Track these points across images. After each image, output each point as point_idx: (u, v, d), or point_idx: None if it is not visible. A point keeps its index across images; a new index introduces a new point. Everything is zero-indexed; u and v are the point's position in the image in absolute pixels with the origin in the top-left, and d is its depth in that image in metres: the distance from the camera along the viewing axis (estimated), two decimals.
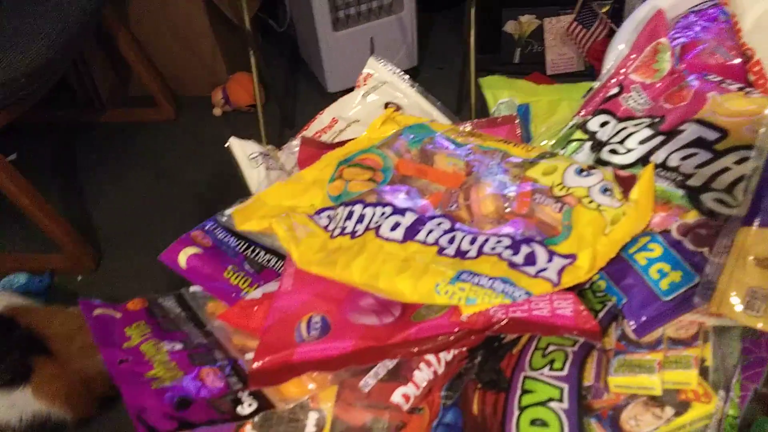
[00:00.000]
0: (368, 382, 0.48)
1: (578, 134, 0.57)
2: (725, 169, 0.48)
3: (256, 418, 0.50)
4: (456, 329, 0.44)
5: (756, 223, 0.43)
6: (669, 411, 0.42)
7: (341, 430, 0.49)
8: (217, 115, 2.28)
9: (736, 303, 0.43)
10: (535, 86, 0.68)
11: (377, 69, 0.80)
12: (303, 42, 2.45)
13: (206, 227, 0.66)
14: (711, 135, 0.50)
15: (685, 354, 0.43)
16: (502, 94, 0.70)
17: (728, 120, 0.50)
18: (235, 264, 0.62)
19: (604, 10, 1.95)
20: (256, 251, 0.64)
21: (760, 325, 0.42)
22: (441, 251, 0.48)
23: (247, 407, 0.47)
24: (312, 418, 0.50)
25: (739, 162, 0.47)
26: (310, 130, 0.80)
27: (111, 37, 2.10)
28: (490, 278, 0.45)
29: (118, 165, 2.07)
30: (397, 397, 0.47)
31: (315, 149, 0.67)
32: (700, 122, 0.51)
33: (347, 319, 0.47)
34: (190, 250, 0.60)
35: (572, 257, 0.46)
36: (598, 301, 0.49)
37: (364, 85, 0.80)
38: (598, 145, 0.57)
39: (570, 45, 2.09)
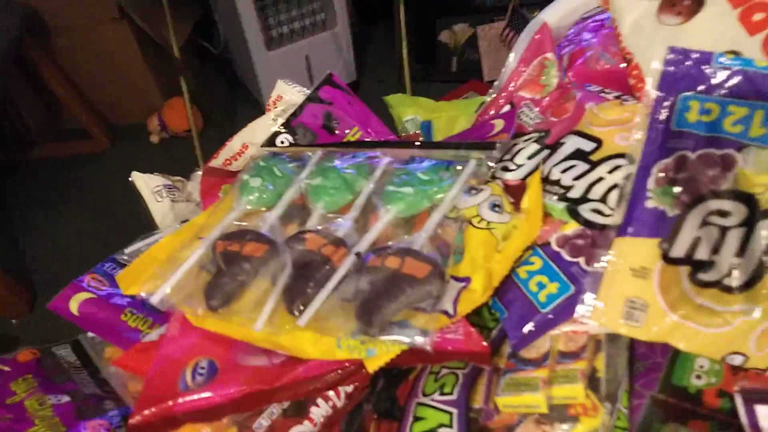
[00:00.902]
0: (261, 423, 0.47)
1: (484, 168, 0.56)
2: (600, 179, 0.48)
3: None
4: (346, 364, 0.43)
5: (630, 232, 0.44)
6: (558, 428, 0.42)
7: None
8: (155, 142, 2.23)
9: (616, 314, 0.43)
10: (436, 103, 0.68)
11: (287, 91, 0.79)
12: (239, 63, 2.43)
13: (105, 267, 0.63)
14: (587, 146, 0.50)
15: (572, 368, 0.43)
16: (406, 111, 0.70)
17: (602, 130, 0.50)
18: (133, 306, 0.60)
19: (534, 14, 2.00)
20: None
21: (641, 337, 0.43)
22: None
23: None
24: None
25: (611, 171, 0.48)
26: (220, 158, 0.78)
27: (36, 70, 2.05)
28: (390, 323, 0.43)
29: (52, 201, 2.01)
30: None
31: (217, 178, 0.66)
32: (578, 133, 0.52)
33: (236, 361, 0.46)
34: (81, 296, 0.57)
35: (466, 281, 0.45)
36: (492, 318, 0.49)
37: (274, 108, 0.79)
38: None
39: (505, 51, 2.12)
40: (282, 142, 0.59)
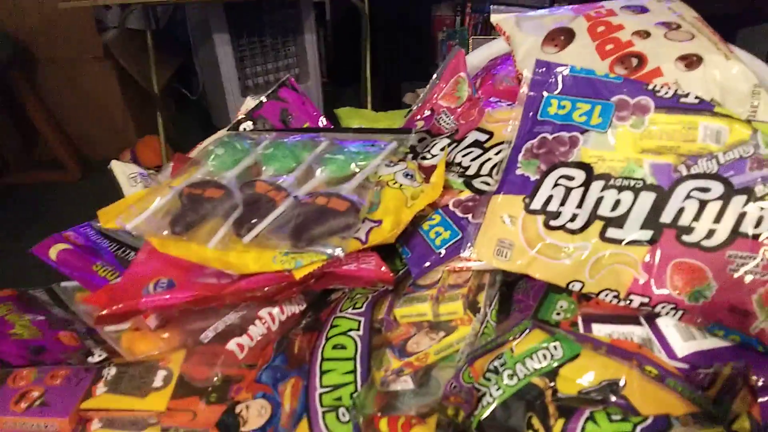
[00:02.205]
0: (208, 335, 0.57)
1: (402, 149, 0.71)
2: (488, 159, 0.63)
3: (108, 376, 0.57)
4: (278, 281, 0.55)
5: (503, 191, 0.58)
6: (441, 334, 0.54)
7: (186, 384, 0.57)
8: None
9: (490, 251, 0.56)
10: (376, 114, 0.83)
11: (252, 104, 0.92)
12: (215, 109, 2.59)
13: (80, 229, 0.74)
14: (482, 137, 0.65)
15: (456, 292, 0.56)
16: (352, 122, 0.84)
17: (494, 125, 0.66)
18: (105, 260, 0.70)
19: None
20: (127, 251, 0.72)
21: (508, 268, 0.56)
22: None
23: (96, 357, 0.54)
24: (160, 375, 0.58)
25: (497, 153, 0.62)
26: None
27: (18, 100, 2.15)
28: (315, 242, 0.55)
29: (19, 226, 2.06)
30: (231, 345, 0.56)
31: (186, 164, 0.78)
32: (478, 129, 0.66)
33: (191, 280, 0.57)
34: (60, 246, 0.67)
35: (378, 222, 0.58)
36: (401, 264, 0.61)
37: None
38: (415, 155, 0.71)
39: None
40: (244, 129, 0.73)
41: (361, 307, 0.55)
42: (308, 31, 2.31)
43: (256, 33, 2.27)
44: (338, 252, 0.52)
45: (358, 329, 0.53)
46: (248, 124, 0.73)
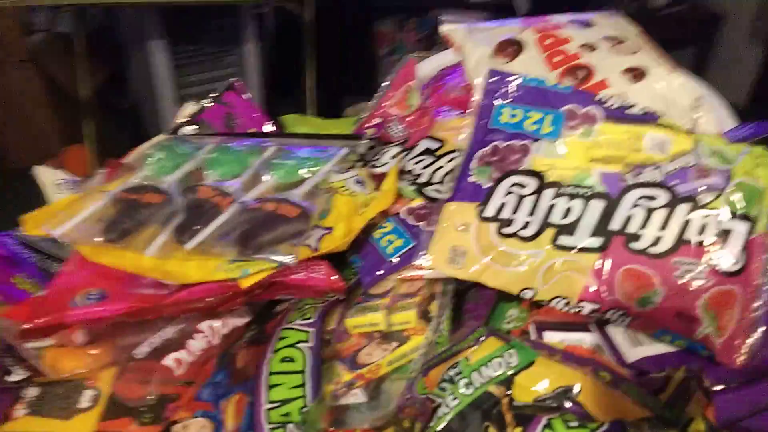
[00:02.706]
0: (142, 350, 0.53)
1: (352, 157, 0.69)
2: (440, 167, 0.62)
3: (28, 396, 0.52)
4: (222, 291, 0.52)
5: (456, 198, 0.57)
6: (394, 344, 0.52)
7: (117, 404, 0.53)
8: None
9: (444, 259, 0.55)
10: (323, 121, 0.81)
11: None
12: (148, 119, 2.48)
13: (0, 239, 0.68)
14: (434, 145, 0.65)
15: (409, 302, 0.54)
16: (300, 129, 0.82)
17: (446, 134, 0.65)
18: (27, 272, 0.65)
19: None
20: (52, 262, 0.67)
21: (461, 276, 0.55)
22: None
23: (15, 376, 0.49)
24: (87, 395, 0.53)
25: (450, 161, 0.62)
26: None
27: None
28: (264, 249, 0.53)
29: None
30: (168, 360, 0.52)
31: (119, 170, 0.73)
32: (429, 137, 0.66)
33: (125, 291, 0.53)
34: None
35: (329, 229, 0.56)
36: (351, 273, 0.59)
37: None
38: (365, 163, 0.70)
39: None
40: (184, 134, 0.69)
41: (310, 318, 0.53)
42: (248, 41, 2.27)
43: (195, 41, 2.20)
44: (289, 259, 0.49)
45: (308, 341, 0.51)
46: (189, 129, 0.69)
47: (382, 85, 0.76)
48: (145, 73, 2.20)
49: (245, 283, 0.50)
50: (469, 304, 0.60)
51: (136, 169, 0.61)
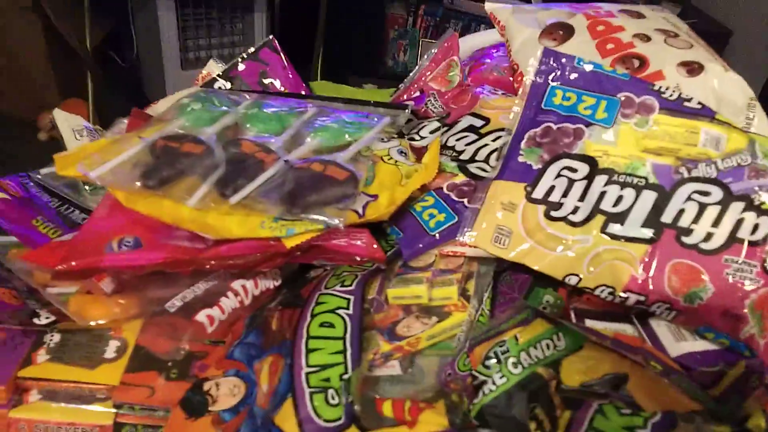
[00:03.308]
0: (175, 303, 0.51)
1: (392, 127, 0.67)
2: (485, 145, 0.61)
3: (51, 343, 0.50)
4: (265, 249, 0.50)
5: (505, 177, 0.56)
6: (434, 319, 0.51)
7: (143, 356, 0.51)
8: (43, 139, 2.14)
9: (488, 238, 0.54)
10: (355, 90, 0.79)
11: (216, 69, 0.85)
12: (149, 79, 2.43)
13: (19, 179, 0.65)
14: (478, 123, 0.63)
15: (450, 277, 0.53)
16: (330, 94, 0.79)
17: (490, 112, 0.64)
18: (46, 216, 0.62)
19: None
20: (71, 209, 0.64)
21: (504, 256, 0.54)
22: None
23: (44, 319, 0.47)
24: (112, 345, 0.51)
25: (495, 140, 0.60)
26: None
27: None
28: (311, 209, 0.50)
29: None
30: (201, 316, 0.50)
31: (145, 121, 0.70)
32: (472, 114, 0.64)
33: (160, 240, 0.50)
34: None
35: (375, 197, 0.54)
36: (388, 245, 0.58)
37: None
38: (402, 135, 0.68)
39: None
40: (220, 87, 0.66)
41: (350, 285, 0.51)
42: (258, 8, 2.22)
43: (203, 4, 2.15)
44: (337, 222, 0.47)
45: (348, 308, 0.49)
46: (224, 84, 0.67)
47: (424, 57, 0.74)
48: (150, 32, 2.15)
49: (290, 243, 0.48)
50: (504, 287, 0.59)
51: (172, 119, 0.58)
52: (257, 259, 0.49)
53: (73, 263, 0.46)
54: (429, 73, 0.73)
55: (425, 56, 0.74)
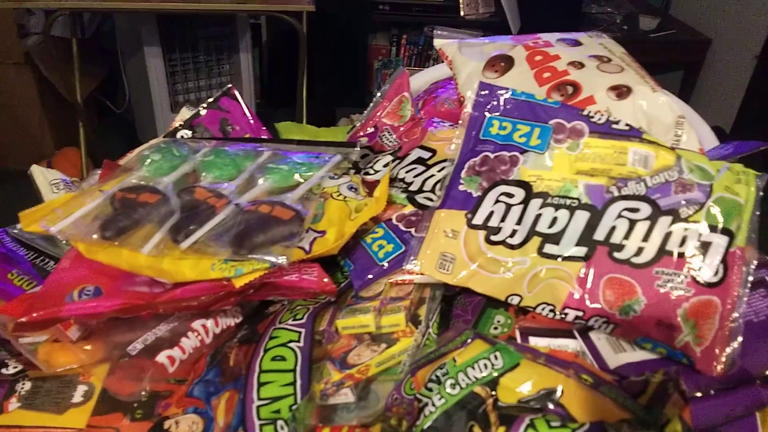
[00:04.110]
0: (136, 346, 0.54)
1: (345, 164, 0.70)
2: (431, 176, 0.64)
3: (22, 391, 0.53)
4: (216, 290, 0.53)
5: (447, 206, 0.59)
6: (383, 346, 0.53)
7: (109, 399, 0.53)
8: None
9: (433, 265, 0.57)
10: (317, 129, 0.83)
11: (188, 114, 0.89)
12: (141, 124, 2.49)
13: None
14: (426, 154, 0.67)
15: (398, 305, 0.55)
16: (293, 136, 0.83)
17: (437, 143, 0.67)
18: (21, 269, 0.65)
19: None
20: (45, 260, 0.67)
21: (449, 281, 0.56)
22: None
23: (11, 369, 0.50)
24: (80, 390, 0.54)
25: (440, 170, 0.64)
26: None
27: None
28: (257, 249, 0.54)
29: None
30: (162, 357, 0.53)
31: (116, 171, 0.74)
32: (421, 147, 0.68)
33: (121, 288, 0.54)
34: None
35: (322, 233, 0.57)
36: (342, 276, 0.61)
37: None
38: (358, 170, 0.71)
39: None
40: (182, 137, 0.70)
41: (301, 318, 0.54)
42: (243, 50, 2.29)
43: (190, 48, 2.22)
44: (282, 260, 0.50)
45: (299, 340, 0.52)
46: (186, 133, 0.71)
47: (377, 95, 0.78)
48: (140, 78, 2.22)
49: (239, 283, 0.51)
50: (458, 310, 0.62)
51: (134, 170, 0.62)
52: (209, 299, 0.52)
53: (34, 315, 0.49)
54: (382, 109, 0.76)
55: (378, 93, 0.78)
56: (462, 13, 2.43)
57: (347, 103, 2.57)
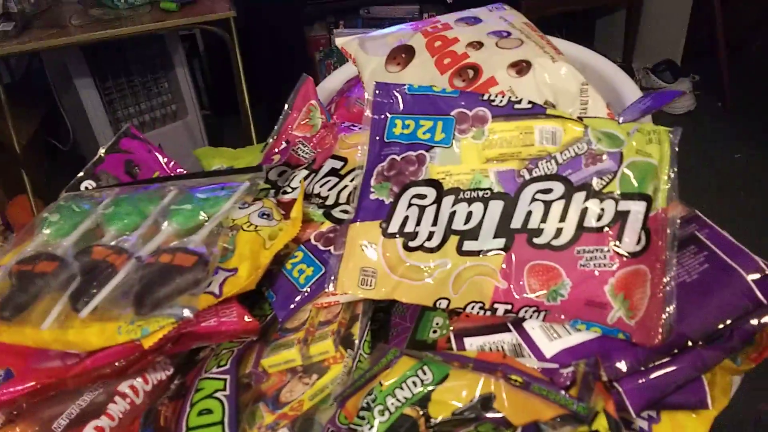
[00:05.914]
0: (60, 423, 0.51)
1: (257, 187, 0.67)
2: (345, 187, 0.61)
3: None
4: (127, 354, 0.50)
5: (359, 218, 0.56)
6: (314, 377, 0.51)
7: None
8: None
9: (354, 282, 0.55)
10: (235, 151, 0.80)
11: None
12: (89, 158, 2.43)
13: None
14: (338, 164, 0.64)
15: (326, 330, 0.53)
16: (212, 162, 0.80)
17: (347, 151, 0.65)
18: None
19: None
20: None
21: (374, 296, 0.54)
22: None
23: None
24: None
25: (352, 180, 0.61)
26: None
27: None
28: (161, 305, 0.51)
29: None
30: (88, 430, 0.51)
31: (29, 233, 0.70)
32: (333, 157, 0.65)
33: (31, 366, 0.51)
34: None
35: (234, 270, 0.54)
36: (269, 308, 0.58)
37: None
38: (277, 190, 0.69)
39: None
40: (86, 188, 0.67)
41: (225, 365, 0.52)
42: (178, 65, 2.23)
43: (122, 73, 2.16)
44: (186, 313, 0.48)
45: (224, 389, 0.50)
46: (90, 183, 0.67)
47: (285, 108, 0.75)
48: (79, 112, 2.15)
49: (147, 343, 0.48)
50: (396, 319, 0.60)
51: (33, 236, 0.59)
52: (124, 364, 0.49)
53: None
54: (292, 122, 0.73)
55: (285, 105, 0.74)
56: None
57: None
